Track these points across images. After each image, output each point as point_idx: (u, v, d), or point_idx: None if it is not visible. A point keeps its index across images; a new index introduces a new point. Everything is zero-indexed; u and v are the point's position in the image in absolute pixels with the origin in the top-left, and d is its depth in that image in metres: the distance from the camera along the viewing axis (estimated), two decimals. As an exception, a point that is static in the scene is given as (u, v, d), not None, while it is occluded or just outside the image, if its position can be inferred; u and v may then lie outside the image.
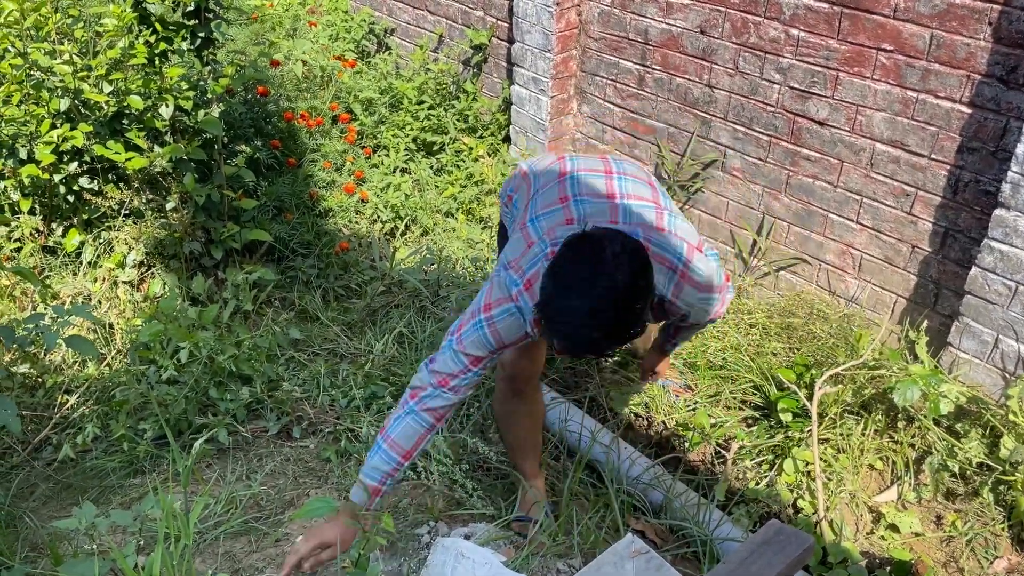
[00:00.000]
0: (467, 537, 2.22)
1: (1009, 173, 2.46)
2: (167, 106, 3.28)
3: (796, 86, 3.08)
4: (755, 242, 3.43)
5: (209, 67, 3.54)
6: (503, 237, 2.44)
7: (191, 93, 3.38)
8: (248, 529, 2.21)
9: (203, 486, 2.39)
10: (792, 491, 2.58)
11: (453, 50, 4.61)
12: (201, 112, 3.39)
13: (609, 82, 3.81)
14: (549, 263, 1.74)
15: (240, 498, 2.31)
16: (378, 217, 4.24)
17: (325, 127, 4.42)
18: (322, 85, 4.66)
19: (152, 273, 3.47)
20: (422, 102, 4.56)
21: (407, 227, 4.27)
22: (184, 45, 3.44)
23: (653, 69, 3.58)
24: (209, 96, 3.49)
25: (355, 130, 4.49)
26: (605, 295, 1.65)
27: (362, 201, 4.24)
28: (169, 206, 3.44)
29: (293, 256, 3.79)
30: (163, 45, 3.35)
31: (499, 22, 4.28)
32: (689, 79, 3.44)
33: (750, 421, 2.86)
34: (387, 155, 4.49)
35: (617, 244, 1.68)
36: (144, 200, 3.47)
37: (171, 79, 3.33)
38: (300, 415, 2.72)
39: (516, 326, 1.91)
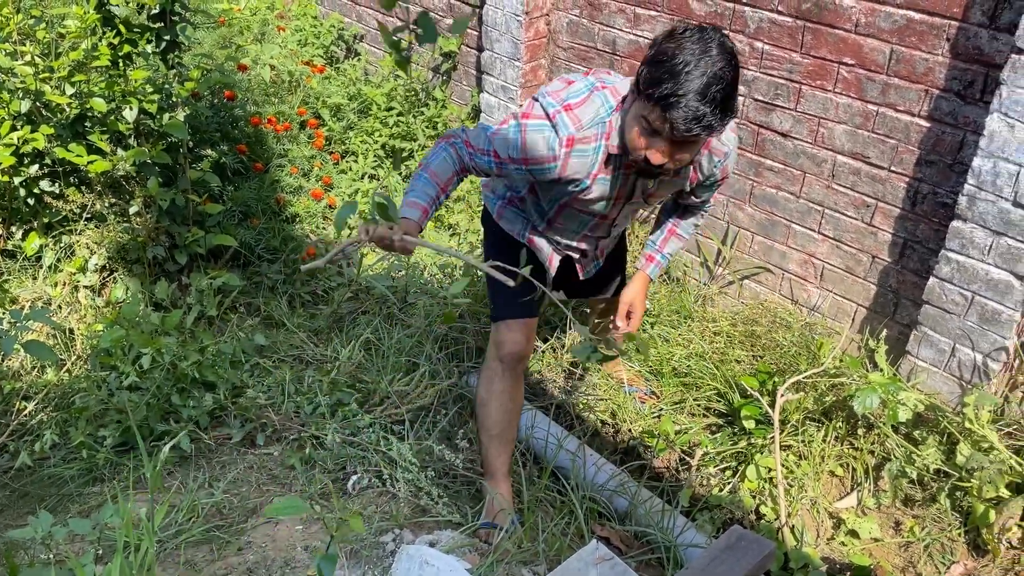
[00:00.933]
0: (432, 544, 2.21)
1: (966, 186, 2.52)
2: (131, 109, 3.24)
3: (760, 98, 3.13)
4: (720, 251, 3.47)
5: (174, 70, 3.51)
6: (489, 222, 2.49)
7: (156, 96, 3.34)
8: (210, 538, 2.18)
9: (164, 494, 2.35)
10: (755, 497, 2.61)
11: (423, 57, 4.62)
12: (166, 116, 3.35)
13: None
14: (651, 52, 1.83)
15: (202, 506, 2.28)
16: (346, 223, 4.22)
17: (293, 132, 4.39)
18: (290, 90, 4.63)
19: (114, 278, 3.42)
20: (391, 108, 4.55)
21: (375, 233, 4.26)
22: (149, 48, 3.40)
23: (621, 79, 3.61)
24: (174, 99, 3.45)
25: (323, 135, 4.47)
26: (720, 70, 1.76)
27: (330, 207, 4.22)
28: (132, 210, 3.39)
29: (259, 262, 3.76)
30: (127, 48, 3.31)
31: (468, 30, 4.29)
32: (656, 89, 3.48)
33: (714, 428, 2.90)
34: (355, 161, 4.48)
35: (716, 33, 1.81)
36: (107, 204, 3.42)
37: (135, 82, 3.29)
38: (264, 422, 2.70)
39: (543, 144, 1.99)
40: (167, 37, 3.41)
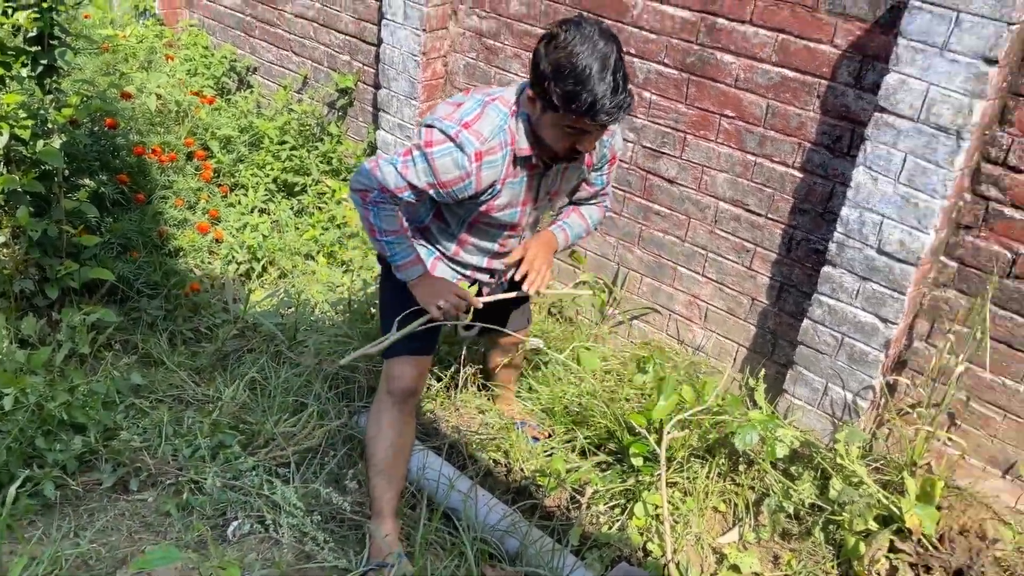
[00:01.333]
0: (317, 592, 2.14)
1: (835, 234, 2.69)
2: (1, 134, 3.06)
3: (648, 145, 3.25)
4: (611, 292, 3.55)
5: (52, 96, 3.35)
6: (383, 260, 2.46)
7: (29, 122, 3.17)
8: (74, 592, 2.04)
9: (23, 545, 2.18)
10: (642, 534, 2.65)
11: (318, 92, 4.58)
12: (40, 142, 3.18)
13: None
14: (547, 67, 1.91)
15: (66, 557, 2.13)
16: (233, 258, 4.09)
17: (179, 163, 4.25)
18: (177, 120, 4.49)
19: (-24, 312, 3.19)
20: (284, 142, 4.48)
21: (264, 269, 4.15)
22: (24, 72, 3.24)
23: (515, 122, 3.68)
24: (50, 126, 3.29)
25: (211, 167, 4.34)
26: (612, 55, 1.89)
27: (216, 241, 4.09)
28: (-1, 240, 3.19)
29: (138, 297, 3.59)
30: (0, 71, 3.14)
31: (366, 67, 4.29)
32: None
33: (604, 466, 2.93)
34: (245, 194, 4.37)
35: (588, 24, 1.91)
36: (-30, 233, 3.21)
37: (7, 106, 3.11)
38: (139, 466, 2.56)
39: (454, 165, 2.06)
40: (44, 61, 3.26)
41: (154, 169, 4.14)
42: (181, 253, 3.95)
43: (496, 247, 2.39)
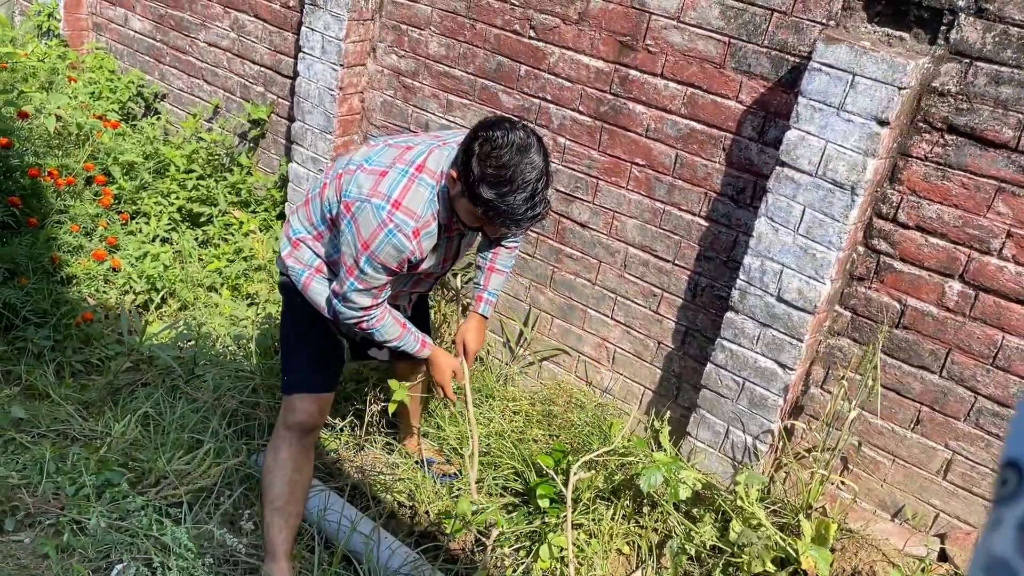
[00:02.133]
0: (205, 639, 2.03)
1: (738, 281, 2.78)
2: None
3: (562, 189, 3.31)
4: (521, 332, 3.57)
5: (-60, 109, 3.17)
6: (291, 292, 2.47)
7: (-86, 135, 2.99)
8: (-68, 642, 1.87)
9: None
10: (547, 577, 2.63)
11: (229, 122, 4.48)
12: (-76, 157, 3.00)
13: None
14: (482, 169, 1.99)
15: (-74, 604, 1.96)
16: (131, 288, 3.93)
17: (77, 188, 4.07)
18: (77, 144, 4.31)
19: None
20: (191, 171, 4.36)
21: (164, 300, 3.99)
22: (-90, 82, 3.06)
23: (431, 161, 3.69)
24: (-64, 141, 3.10)
25: (112, 194, 4.18)
26: (541, 171, 2.01)
27: (113, 270, 3.92)
28: None
29: (24, 325, 3.39)
30: None
31: (280, 99, 4.24)
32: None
33: (511, 507, 2.91)
34: (147, 223, 4.21)
35: (528, 136, 2.02)
36: None
37: None
38: (16, 504, 2.39)
39: (397, 250, 2.14)
40: (-66, 73, 3.09)
41: (50, 193, 3.95)
42: (75, 281, 3.76)
43: (408, 288, 2.52)
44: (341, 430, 3.09)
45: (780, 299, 2.69)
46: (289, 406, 2.41)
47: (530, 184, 2.00)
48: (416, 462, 3.04)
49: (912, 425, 2.70)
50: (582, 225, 3.29)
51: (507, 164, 1.98)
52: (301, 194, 4.08)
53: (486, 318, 2.68)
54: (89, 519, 2.34)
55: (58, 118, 4.24)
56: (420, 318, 2.78)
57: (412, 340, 2.44)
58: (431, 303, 3.05)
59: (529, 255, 3.47)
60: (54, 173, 3.96)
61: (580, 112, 3.18)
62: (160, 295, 3.95)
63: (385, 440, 3.06)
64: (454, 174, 2.08)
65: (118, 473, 2.54)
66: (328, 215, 2.32)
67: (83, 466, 2.54)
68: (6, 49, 4.76)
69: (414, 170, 2.16)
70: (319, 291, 2.39)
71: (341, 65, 3.72)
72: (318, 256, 2.39)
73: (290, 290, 2.47)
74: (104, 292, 3.84)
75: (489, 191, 2.00)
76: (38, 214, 3.84)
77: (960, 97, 2.39)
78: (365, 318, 2.30)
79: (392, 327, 2.37)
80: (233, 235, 4.28)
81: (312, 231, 2.39)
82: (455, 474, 3.01)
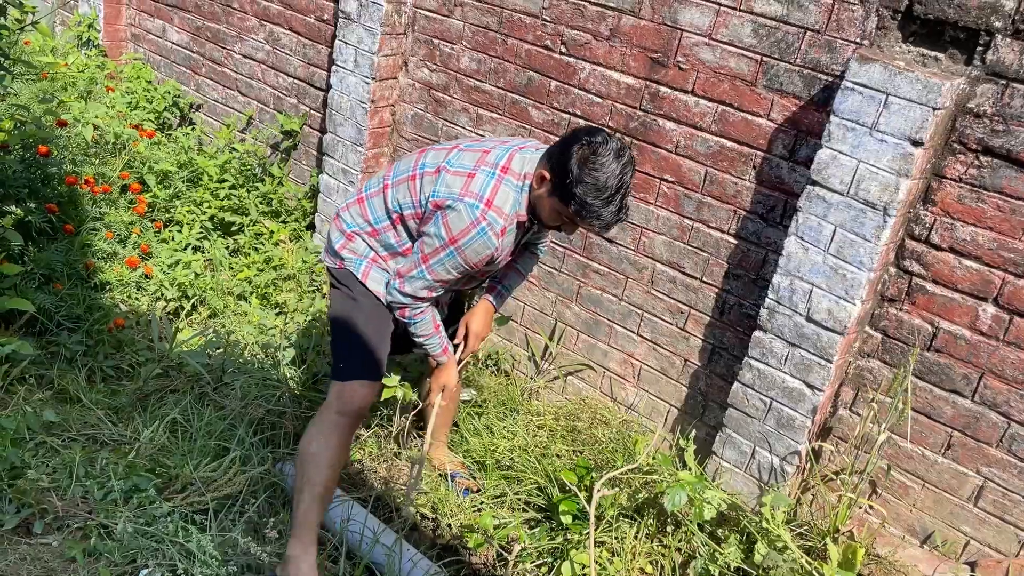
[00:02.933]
0: (228, 647, 2.04)
1: (766, 300, 2.76)
2: (-75, 153, 2.95)
3: (590, 204, 3.30)
4: (547, 347, 3.56)
5: (-17, 118, 3.25)
6: (351, 281, 2.52)
7: (-43, 143, 3.07)
8: (-39, 642, 1.90)
9: (-91, 590, 2.04)
10: (568, 595, 2.61)
11: (262, 133, 4.54)
12: (-34, 164, 3.07)
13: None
14: (584, 173, 2.13)
15: (-44, 604, 1.99)
16: (162, 295, 3.98)
17: (112, 196, 4.14)
18: (114, 152, 4.39)
19: None
20: (224, 180, 4.41)
21: (194, 307, 4.04)
22: (-45, 91, 3.14)
23: (460, 174, 3.71)
24: (-21, 148, 3.18)
25: (146, 202, 4.24)
26: (630, 182, 2.19)
27: (146, 277, 3.98)
28: (-88, 264, 3.04)
29: (58, 330, 3.45)
30: (-70, 88, 3.04)
31: (312, 111, 4.29)
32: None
33: (533, 523, 2.90)
34: (179, 231, 4.27)
35: (626, 150, 2.17)
36: None
37: (-66, 125, 3.01)
38: (45, 507, 2.42)
39: (485, 246, 2.27)
40: (-22, 82, 3.17)
41: (86, 200, 4.02)
42: (108, 287, 3.82)
43: (470, 285, 2.68)
44: (366, 441, 3.10)
45: (809, 319, 2.66)
46: (345, 393, 2.46)
47: (623, 189, 2.16)
48: (440, 474, 3.04)
49: (943, 450, 2.66)
50: (610, 240, 3.29)
51: (606, 169, 2.13)
52: (331, 206, 4.12)
53: (496, 308, 2.77)
54: (116, 524, 2.36)
55: (96, 127, 4.32)
56: (454, 312, 2.89)
57: (438, 343, 2.58)
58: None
59: (556, 269, 3.47)
60: (90, 181, 4.03)
61: (610, 127, 3.18)
62: (191, 302, 4.00)
63: (411, 453, 3.06)
64: (545, 174, 2.22)
65: (146, 479, 2.56)
66: (396, 213, 2.41)
67: (112, 471, 2.57)
68: (47, 59, 4.87)
69: (500, 171, 2.28)
70: (378, 279, 2.49)
71: (373, 78, 3.75)
72: (372, 249, 2.49)
73: (345, 279, 2.53)
74: (136, 299, 3.90)
75: (587, 192, 2.14)
76: (74, 221, 3.91)
77: (996, 119, 2.36)
78: (413, 306, 2.44)
79: (428, 325, 2.51)
80: (263, 244, 4.33)
81: (367, 227, 2.48)
82: (478, 490, 3.01)
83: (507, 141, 2.43)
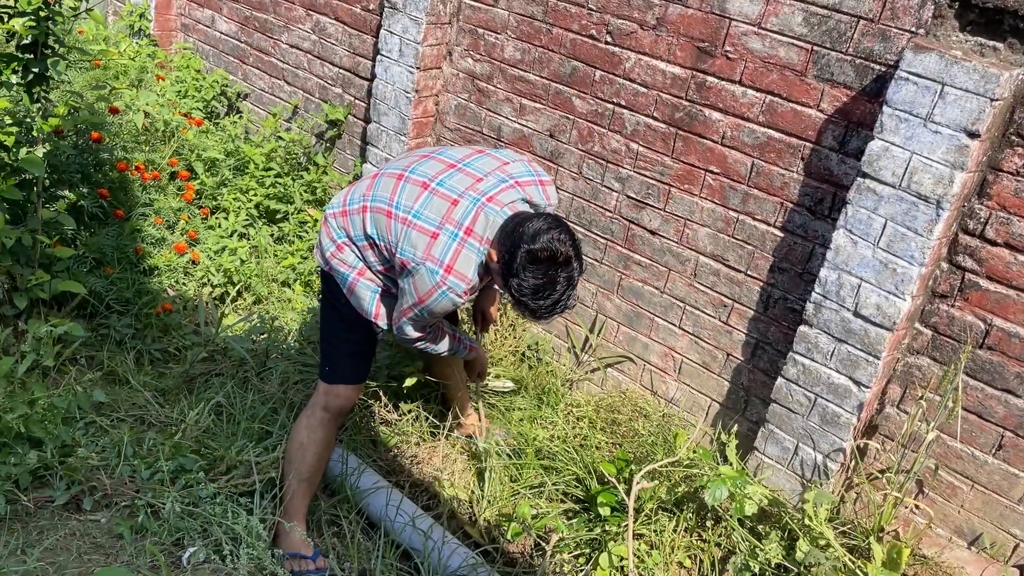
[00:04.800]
0: (269, 626, 2.07)
1: (813, 294, 2.71)
2: (-16, 139, 3.03)
3: (633, 196, 3.28)
4: (587, 338, 3.55)
5: (39, 104, 3.32)
6: (328, 285, 2.62)
7: (15, 129, 3.14)
8: (15, 611, 1.96)
9: (-34, 560, 2.10)
10: (606, 586, 2.60)
11: (307, 122, 4.59)
12: (23, 150, 3.15)
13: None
14: (522, 264, 2.15)
15: (11, 574, 2.05)
16: (208, 280, 4.05)
17: (162, 182, 4.22)
18: (163, 139, 4.47)
19: (-61, 317, 3.11)
20: (269, 169, 4.47)
21: (239, 293, 4.11)
22: (14, 78, 3.21)
23: (503, 164, 3.70)
24: (35, 134, 3.26)
25: (194, 189, 4.31)
26: (571, 282, 2.21)
27: (193, 262, 4.05)
28: (-30, 246, 3.13)
29: (108, 313, 3.53)
30: (-11, 75, 3.12)
31: (357, 101, 4.32)
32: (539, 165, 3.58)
33: (571, 514, 2.89)
34: (226, 218, 4.34)
35: (564, 243, 2.16)
36: (-59, 236, 3.14)
37: (-7, 111, 3.09)
38: (94, 485, 2.48)
39: (448, 304, 2.33)
40: (35, 69, 3.24)
41: (136, 186, 4.10)
42: (156, 272, 3.90)
43: None
44: (404, 428, 3.13)
45: (857, 314, 2.61)
46: (331, 392, 2.63)
47: (560, 295, 2.20)
48: (468, 437, 3.08)
49: (994, 450, 2.59)
50: (652, 232, 3.26)
51: (546, 276, 2.16)
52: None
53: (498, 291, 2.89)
54: (163, 503, 2.41)
55: (146, 115, 4.41)
56: None
57: (462, 348, 2.74)
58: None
59: (597, 261, 3.45)
60: (140, 167, 4.12)
61: (654, 118, 3.15)
62: (236, 288, 4.06)
63: (455, 448, 3.08)
64: (494, 256, 2.25)
65: (192, 460, 2.61)
66: (370, 240, 2.43)
67: (159, 451, 2.62)
68: (100, 47, 4.97)
69: (463, 234, 2.28)
70: (363, 295, 2.51)
71: (418, 68, 3.76)
72: (361, 260, 2.49)
73: (331, 287, 2.59)
74: (183, 284, 3.97)
75: (524, 291, 2.18)
76: (124, 206, 3.99)
77: (1058, 110, 2.28)
78: (420, 343, 2.56)
79: (444, 342, 2.63)
80: (307, 233, 4.38)
81: (350, 242, 2.49)
82: (514, 450, 3.06)
83: (480, 176, 2.39)
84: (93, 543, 2.29)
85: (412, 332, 2.47)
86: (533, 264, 2.15)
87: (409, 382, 2.96)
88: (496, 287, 2.46)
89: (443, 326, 2.62)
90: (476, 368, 2.98)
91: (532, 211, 2.36)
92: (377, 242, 2.41)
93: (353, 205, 2.46)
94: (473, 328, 3.01)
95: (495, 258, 2.24)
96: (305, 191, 4.46)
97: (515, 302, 2.23)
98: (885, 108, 2.45)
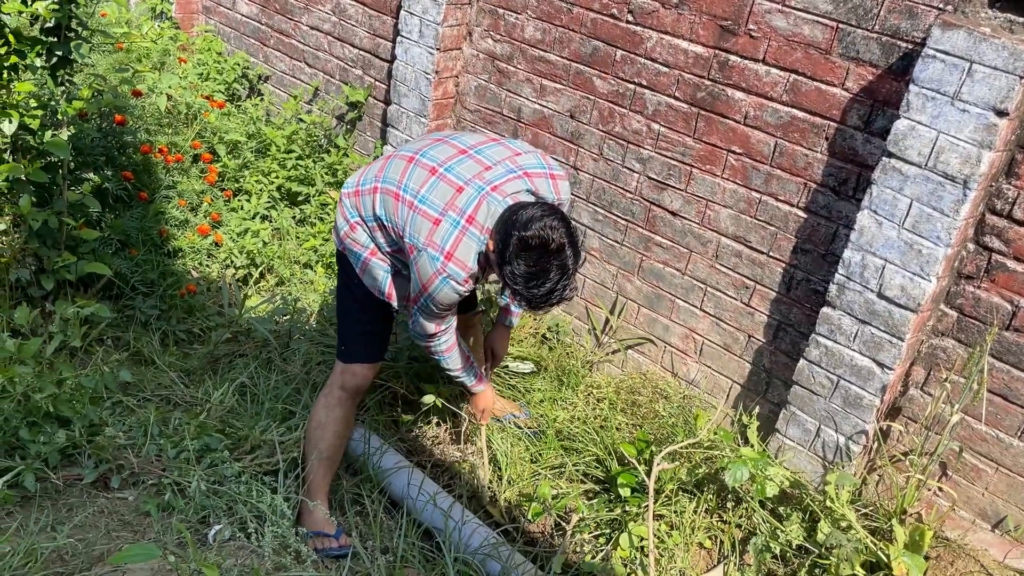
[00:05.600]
0: (294, 602, 2.10)
1: (836, 275, 2.69)
2: (10, 122, 3.06)
3: (654, 177, 3.26)
4: (607, 320, 3.54)
5: (63, 87, 3.35)
6: (343, 265, 2.64)
7: (40, 112, 3.17)
8: (47, 586, 2.00)
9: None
10: (626, 566, 2.62)
11: (328, 104, 4.59)
12: (48, 133, 3.18)
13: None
14: (515, 250, 2.13)
15: (41, 551, 2.09)
16: (232, 262, 4.08)
17: (184, 165, 4.25)
18: (186, 122, 4.50)
19: (-31, 299, 3.17)
20: (291, 151, 4.49)
21: (262, 275, 4.14)
22: (39, 62, 3.24)
23: (523, 145, 3.69)
24: (60, 117, 3.29)
25: (216, 171, 4.34)
26: (565, 271, 2.16)
27: (216, 244, 4.08)
28: (-2, 228, 3.18)
29: (133, 294, 3.57)
30: (14, 59, 3.14)
31: (377, 82, 4.32)
32: (557, 159, 3.58)
33: (591, 494, 2.91)
34: (248, 200, 4.37)
35: (556, 229, 2.12)
36: (-30, 219, 3.19)
37: (19, 95, 3.12)
38: (121, 464, 2.52)
39: (453, 291, 2.32)
40: (59, 52, 3.26)
41: (159, 169, 4.14)
42: (180, 254, 3.94)
43: None
44: (426, 410, 3.15)
45: (881, 295, 2.59)
46: (347, 372, 2.66)
47: (554, 284, 2.16)
48: (496, 419, 3.10)
49: (1019, 433, 2.57)
50: (673, 213, 3.24)
51: (538, 264, 2.14)
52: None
53: (509, 328, 2.95)
54: (189, 482, 2.45)
55: (169, 97, 4.43)
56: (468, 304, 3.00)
57: (472, 375, 2.73)
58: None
59: (618, 243, 3.44)
60: (164, 150, 4.15)
61: (676, 98, 3.12)
62: (259, 270, 4.09)
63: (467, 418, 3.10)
64: (491, 246, 2.25)
65: (217, 439, 2.65)
66: (379, 221, 2.45)
67: (184, 431, 2.66)
68: (122, 30, 5.00)
69: (465, 222, 2.28)
70: (376, 274, 2.54)
71: (438, 49, 3.75)
72: (373, 240, 2.51)
73: (345, 267, 2.63)
74: (207, 265, 4.01)
75: (517, 279, 2.17)
76: (148, 189, 4.03)
77: (1089, 87, 2.24)
78: (433, 343, 2.54)
79: (456, 359, 2.63)
80: (328, 215, 4.39)
81: (363, 222, 2.51)
82: (535, 432, 3.06)
83: (489, 165, 2.37)
84: (121, 520, 2.33)
85: (427, 325, 2.46)
86: (525, 251, 2.14)
87: (427, 399, 2.93)
88: (496, 275, 2.40)
89: (460, 342, 2.63)
90: (479, 405, 2.86)
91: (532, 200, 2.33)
92: (385, 223, 2.42)
93: (365, 185, 2.49)
94: (484, 365, 3.00)
95: (491, 247, 2.25)
96: (326, 173, 4.47)
97: (511, 291, 2.23)
98: (912, 86, 2.41)
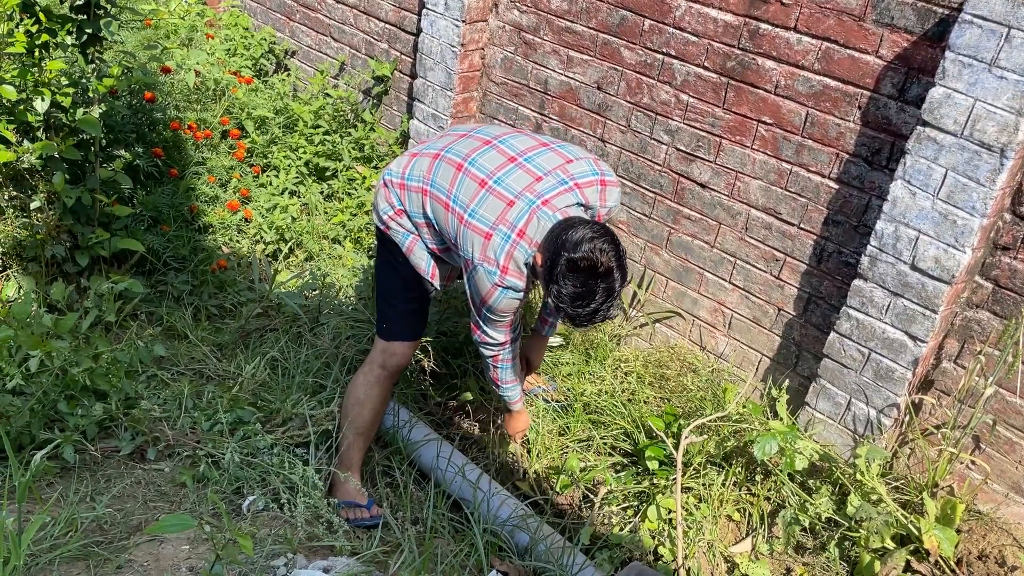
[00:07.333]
0: (326, 571, 2.14)
1: (868, 247, 2.65)
2: (42, 100, 3.10)
3: (682, 148, 3.23)
4: (635, 294, 3.53)
5: (94, 65, 3.38)
6: (385, 244, 2.66)
7: (71, 90, 3.21)
8: (87, 554, 2.05)
9: (41, 505, 2.21)
10: (654, 538, 2.63)
11: (354, 79, 4.59)
12: (80, 111, 3.22)
13: (507, 127, 3.87)
14: (563, 272, 2.16)
15: (81, 520, 2.15)
16: (261, 238, 4.12)
17: (213, 141, 4.28)
18: (214, 98, 4.52)
19: (7, 276, 3.23)
20: (318, 126, 4.50)
21: (291, 250, 4.17)
22: (69, 40, 3.27)
23: (550, 118, 3.67)
24: (91, 95, 3.32)
25: (245, 147, 4.37)
26: (611, 292, 2.19)
27: (245, 220, 4.12)
28: (34, 205, 3.23)
29: (166, 270, 3.62)
30: (45, 37, 3.17)
31: (403, 56, 4.30)
32: (584, 131, 3.55)
33: (619, 467, 2.92)
34: (276, 176, 4.39)
35: (606, 253, 2.15)
36: (6, 197, 3.25)
37: (50, 73, 3.15)
38: (157, 436, 2.57)
39: (510, 303, 2.38)
40: (89, 30, 3.29)
41: (189, 145, 4.17)
42: (210, 230, 3.98)
43: None
44: (453, 382, 3.17)
45: (914, 267, 2.55)
46: (388, 350, 2.68)
47: (599, 305, 2.20)
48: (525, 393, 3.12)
49: (1055, 407, 2.53)
50: (702, 186, 3.21)
51: (585, 285, 2.17)
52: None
53: (546, 339, 2.97)
54: (223, 454, 2.49)
55: (197, 73, 4.45)
56: None
57: (518, 392, 2.75)
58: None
59: (646, 215, 3.42)
60: (193, 126, 4.18)
61: (705, 68, 3.08)
62: (288, 245, 4.12)
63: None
64: (539, 260, 2.28)
65: (249, 412, 2.69)
66: (429, 221, 2.48)
67: (217, 404, 2.70)
68: (150, 7, 5.02)
69: (516, 236, 2.29)
70: (420, 255, 2.57)
71: (463, 21, 3.72)
72: (416, 229, 2.55)
73: (389, 245, 2.63)
74: (237, 241, 4.05)
75: (563, 297, 2.20)
76: (178, 165, 4.07)
77: None
78: (500, 351, 2.56)
79: (510, 372, 2.65)
80: (356, 190, 4.41)
81: (407, 214, 2.54)
82: (563, 405, 3.07)
83: (540, 175, 2.37)
84: (158, 491, 2.39)
85: (496, 335, 2.50)
86: (573, 272, 2.16)
87: (467, 396, 3.00)
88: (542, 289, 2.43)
89: (516, 362, 2.66)
90: (516, 427, 2.87)
91: (582, 216, 2.34)
92: (435, 225, 2.47)
93: (412, 183, 2.49)
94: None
95: (540, 262, 2.27)
96: (353, 148, 4.48)
97: (555, 308, 2.26)
98: (948, 53, 2.36)
